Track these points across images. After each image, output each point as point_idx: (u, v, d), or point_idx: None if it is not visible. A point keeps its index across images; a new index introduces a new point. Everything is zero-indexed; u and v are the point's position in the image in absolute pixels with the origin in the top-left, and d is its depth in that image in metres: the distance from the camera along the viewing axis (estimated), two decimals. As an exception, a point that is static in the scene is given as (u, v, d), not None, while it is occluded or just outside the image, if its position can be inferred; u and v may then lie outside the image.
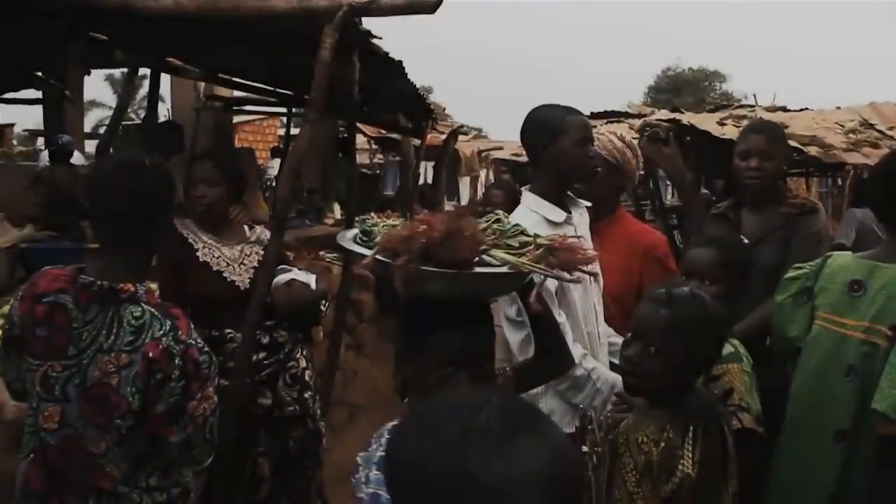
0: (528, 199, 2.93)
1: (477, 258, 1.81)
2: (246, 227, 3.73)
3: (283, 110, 10.57)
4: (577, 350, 2.73)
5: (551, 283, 2.70)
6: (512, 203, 3.25)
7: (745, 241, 3.12)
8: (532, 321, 2.11)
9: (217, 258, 3.54)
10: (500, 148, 16.96)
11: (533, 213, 2.85)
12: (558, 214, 2.87)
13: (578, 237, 2.90)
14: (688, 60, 45.58)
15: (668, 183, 11.28)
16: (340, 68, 5.39)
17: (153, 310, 2.07)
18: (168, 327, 2.04)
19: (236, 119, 20.03)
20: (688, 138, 5.88)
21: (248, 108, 10.53)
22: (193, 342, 2.05)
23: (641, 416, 2.19)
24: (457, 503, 0.93)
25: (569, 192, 3.00)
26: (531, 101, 3.00)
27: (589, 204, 3.08)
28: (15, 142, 19.20)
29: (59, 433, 2.07)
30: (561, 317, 2.75)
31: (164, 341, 2.02)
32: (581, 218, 3.01)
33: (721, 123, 5.85)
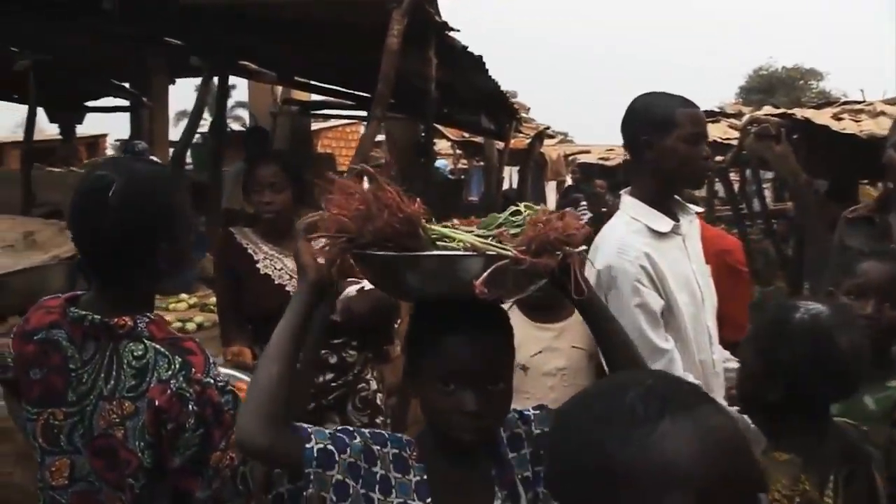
0: (628, 204, 2.51)
1: (412, 237, 1.45)
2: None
3: (363, 113, 10.31)
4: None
5: (655, 302, 2.32)
6: (597, 209, 2.95)
7: None
8: (593, 330, 1.69)
9: (279, 270, 3.26)
10: (588, 152, 16.46)
11: (634, 222, 2.45)
12: (664, 223, 2.44)
13: (687, 251, 2.50)
14: (781, 59, 44.00)
15: (754, 186, 10.66)
16: (416, 64, 5.12)
17: (158, 346, 1.71)
18: (178, 366, 1.68)
19: (318, 125, 20.08)
20: (794, 136, 5.32)
21: (326, 112, 10.31)
22: (212, 380, 1.68)
23: (768, 464, 1.82)
24: (595, 486, 0.92)
25: (676, 196, 2.56)
26: (617, 103, 2.59)
27: (700, 209, 2.64)
28: (109, 152, 19.66)
29: (70, 490, 1.74)
30: (668, 342, 2.33)
31: (174, 384, 1.66)
32: (691, 226, 2.57)
33: (837, 118, 5.25)
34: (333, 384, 3.29)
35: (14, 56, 6.23)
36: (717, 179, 10.21)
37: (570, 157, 15.80)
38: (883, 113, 5.67)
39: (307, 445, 1.44)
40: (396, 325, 3.52)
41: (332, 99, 9.29)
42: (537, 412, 1.67)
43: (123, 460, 1.68)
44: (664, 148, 2.42)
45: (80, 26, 6.12)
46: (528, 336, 2.71)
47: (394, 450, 1.52)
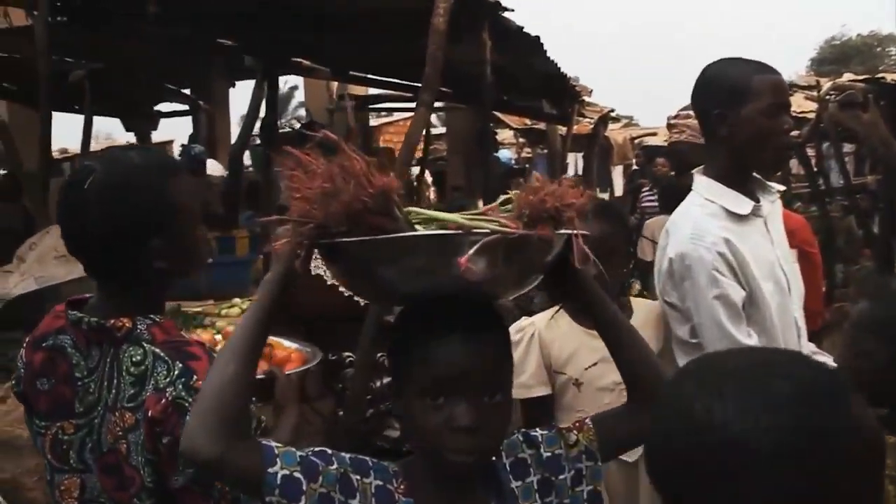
0: (702, 184, 2.22)
1: (385, 216, 1.21)
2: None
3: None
4: None
5: (736, 293, 2.06)
6: (666, 192, 2.76)
7: None
8: (597, 320, 1.46)
9: None
10: (654, 134, 16.01)
11: (708, 203, 2.17)
12: (742, 204, 2.16)
13: (769, 234, 2.22)
14: (854, 27, 42.61)
15: (832, 160, 10.10)
16: (470, 49, 4.91)
17: (158, 350, 1.52)
18: (177, 372, 1.47)
19: (379, 120, 20.04)
20: (882, 103, 4.92)
21: (384, 105, 10.17)
22: None
23: None
24: (694, 448, 0.93)
25: (756, 174, 2.28)
26: (682, 84, 2.33)
27: (782, 188, 2.35)
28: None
29: None
30: (751, 338, 2.07)
31: (171, 392, 1.46)
32: (773, 207, 2.28)
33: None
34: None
35: (68, 67, 6.22)
36: (792, 155, 9.76)
37: (637, 141, 15.36)
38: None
39: (270, 470, 1.21)
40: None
41: (389, 92, 9.15)
42: (546, 433, 1.43)
43: (128, 478, 1.51)
44: (740, 121, 2.13)
45: (127, 32, 6.11)
46: (580, 345, 2.30)
47: (377, 481, 1.30)
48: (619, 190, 14.07)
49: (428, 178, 12.79)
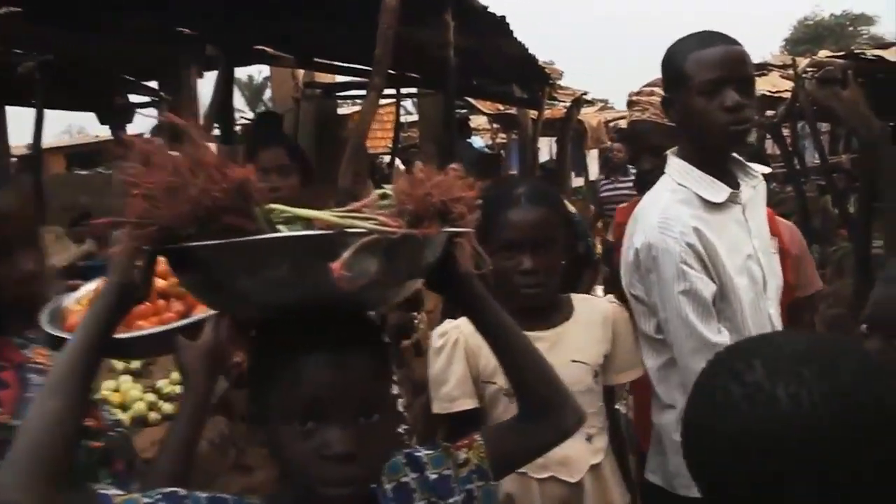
0: (675, 167, 2.06)
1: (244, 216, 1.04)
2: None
3: (391, 92, 9.93)
4: None
5: (705, 288, 1.91)
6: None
7: None
8: (475, 320, 1.36)
9: None
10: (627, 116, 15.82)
11: (681, 189, 2.01)
12: (718, 191, 2.00)
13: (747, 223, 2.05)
14: (828, 7, 42.96)
15: (807, 140, 9.98)
16: (435, 32, 4.73)
17: None
18: None
19: (351, 109, 19.76)
20: (859, 80, 4.76)
21: (354, 93, 9.92)
22: None
23: None
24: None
25: (737, 156, 2.10)
26: (655, 63, 2.16)
27: (767, 169, 2.18)
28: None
29: None
30: (721, 335, 1.91)
31: None
32: (755, 193, 2.11)
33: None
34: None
35: (18, 59, 5.96)
36: (767, 136, 9.65)
37: (612, 124, 15.21)
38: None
39: None
40: (424, 312, 3.20)
41: (358, 79, 8.90)
42: (431, 452, 1.31)
43: None
44: (682, 104, 2.00)
45: (83, 22, 5.85)
46: None
47: None
48: (594, 174, 13.95)
49: (400, 166, 12.60)
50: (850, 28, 38.40)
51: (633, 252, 2.00)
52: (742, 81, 1.96)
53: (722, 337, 1.92)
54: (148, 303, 1.49)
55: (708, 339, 1.90)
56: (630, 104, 2.77)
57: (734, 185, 2.04)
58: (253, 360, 1.21)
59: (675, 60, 2.02)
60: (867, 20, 38.37)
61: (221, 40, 6.72)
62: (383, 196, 1.12)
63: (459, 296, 1.31)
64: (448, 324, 2.04)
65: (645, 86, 2.70)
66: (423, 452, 1.31)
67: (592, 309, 2.10)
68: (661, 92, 2.33)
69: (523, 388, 1.36)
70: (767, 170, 2.15)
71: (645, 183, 2.63)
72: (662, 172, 2.28)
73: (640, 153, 2.75)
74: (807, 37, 37.76)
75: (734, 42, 2.00)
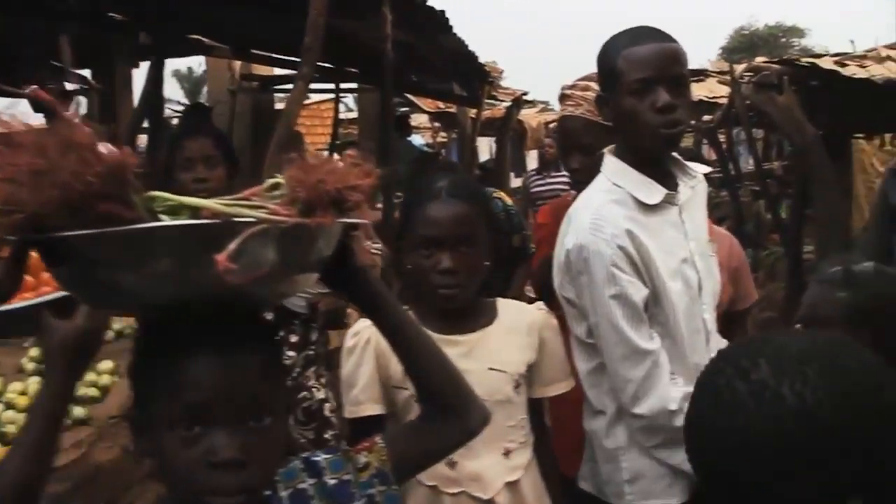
0: (610, 166, 1.99)
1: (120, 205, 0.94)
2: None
3: (331, 86, 9.77)
4: (675, 391, 1.86)
5: (636, 292, 1.85)
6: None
7: None
8: (375, 318, 1.29)
9: None
10: (569, 118, 15.87)
11: (615, 189, 1.94)
12: (653, 192, 1.93)
13: (683, 224, 2.00)
14: (763, 17, 44.26)
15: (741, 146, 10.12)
16: (374, 25, 4.63)
17: None
18: None
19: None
20: (813, 83, 4.75)
21: (289, 86, 9.74)
22: None
23: None
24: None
25: (675, 155, 2.04)
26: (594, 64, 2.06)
27: (707, 169, 2.12)
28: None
29: None
30: (653, 341, 1.86)
31: None
32: (694, 193, 2.05)
33: (841, 66, 4.76)
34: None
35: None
36: (704, 140, 9.77)
37: (552, 125, 15.27)
38: (889, 58, 5.18)
39: None
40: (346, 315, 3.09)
41: (297, 73, 8.72)
42: (330, 456, 1.27)
43: None
44: (614, 104, 1.93)
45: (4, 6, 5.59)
46: None
47: None
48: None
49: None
50: (783, 39, 39.51)
51: (564, 253, 1.92)
52: (674, 80, 1.87)
53: (653, 343, 1.86)
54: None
55: (637, 346, 1.84)
56: (562, 98, 2.61)
57: (672, 186, 1.97)
58: (135, 359, 1.12)
59: (607, 58, 1.94)
60: (798, 32, 39.62)
61: (153, 28, 6.51)
62: (275, 185, 1.03)
63: (355, 292, 1.25)
64: (361, 323, 1.90)
65: (580, 79, 2.56)
66: (321, 457, 1.26)
67: (518, 315, 1.97)
68: (597, 87, 2.27)
69: (426, 391, 1.31)
70: (707, 169, 2.09)
71: (576, 182, 2.55)
72: (591, 172, 2.21)
73: (569, 151, 2.58)
74: (742, 45, 38.70)
75: (667, 38, 1.91)
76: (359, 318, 1.95)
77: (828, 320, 1.69)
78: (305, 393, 2.91)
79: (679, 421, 1.83)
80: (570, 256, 1.89)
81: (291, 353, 2.86)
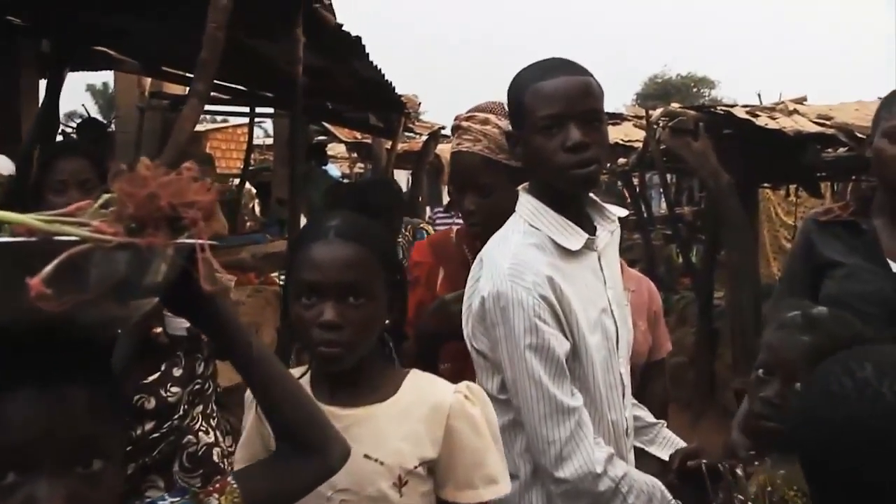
0: (527, 207, 1.84)
1: None
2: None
3: (245, 109, 9.54)
4: (599, 452, 1.72)
5: (559, 346, 1.69)
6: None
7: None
8: (228, 348, 1.19)
9: None
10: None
11: (533, 231, 1.79)
12: (573, 237, 1.79)
13: (602, 273, 1.87)
14: (676, 67, 46.02)
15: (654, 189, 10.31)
16: (285, 47, 4.45)
17: None
18: None
19: (207, 126, 18.96)
20: (725, 131, 4.80)
21: (207, 108, 9.44)
22: None
23: (787, 467, 1.65)
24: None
25: (593, 196, 1.93)
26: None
27: (624, 212, 2.01)
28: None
29: None
30: (576, 398, 1.72)
31: None
32: (612, 238, 1.93)
33: (753, 115, 4.83)
34: (155, 435, 2.57)
35: None
36: (619, 183, 9.88)
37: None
38: (796, 111, 5.30)
39: None
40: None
41: (213, 94, 8.44)
42: (177, 499, 1.20)
43: None
44: (523, 141, 1.80)
45: None
46: None
47: None
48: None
49: (251, 189, 12.14)
50: (695, 89, 41.03)
51: (478, 300, 1.76)
52: (586, 116, 1.73)
53: (576, 400, 1.71)
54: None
55: (562, 403, 1.69)
56: (457, 131, 2.29)
57: (590, 229, 1.85)
58: None
59: (516, 92, 1.81)
60: (709, 83, 41.31)
61: (54, 35, 6.18)
62: (107, 203, 0.89)
63: (201, 320, 1.14)
64: None
65: (475, 109, 2.29)
66: (168, 500, 1.19)
67: (424, 395, 1.58)
68: (497, 121, 2.13)
69: (281, 428, 1.23)
70: (624, 212, 1.97)
71: (470, 225, 2.27)
72: (488, 215, 2.10)
73: (464, 190, 2.24)
74: (656, 93, 39.99)
75: (578, 71, 1.77)
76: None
77: (790, 363, 1.75)
78: (191, 437, 2.65)
79: (604, 485, 1.70)
80: (485, 304, 1.73)
81: (175, 390, 2.62)
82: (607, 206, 1.93)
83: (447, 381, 1.61)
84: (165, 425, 2.59)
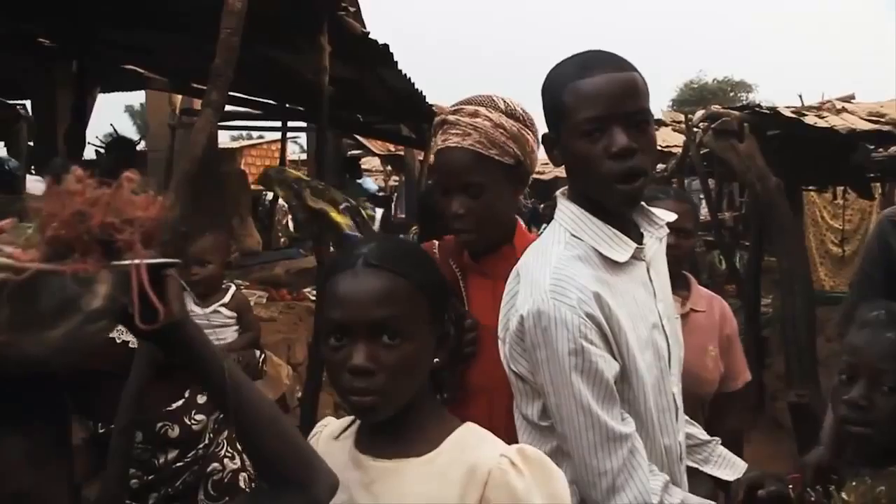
0: (568, 215, 1.65)
1: None
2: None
3: (278, 124, 9.49)
4: (654, 481, 1.54)
5: (609, 368, 1.51)
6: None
7: None
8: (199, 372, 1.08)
9: None
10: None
11: (576, 243, 1.60)
12: (620, 247, 1.60)
13: (652, 285, 1.70)
14: (711, 72, 45.28)
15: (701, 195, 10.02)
16: (309, 56, 4.34)
17: None
18: None
19: (242, 143, 19.01)
20: (769, 133, 4.57)
21: (235, 123, 9.43)
22: None
23: (870, 476, 1.68)
24: None
25: (641, 202, 1.72)
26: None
27: (672, 217, 1.82)
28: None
29: None
30: (628, 424, 1.54)
31: None
32: (660, 246, 1.75)
33: (799, 114, 4.61)
34: (177, 465, 2.46)
35: None
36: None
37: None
38: (844, 109, 5.07)
39: None
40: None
41: (242, 109, 8.40)
42: None
43: None
44: (563, 145, 1.60)
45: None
46: None
47: None
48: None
49: (284, 205, 12.10)
50: (732, 93, 40.35)
51: (516, 319, 1.56)
52: (632, 117, 1.54)
53: (627, 426, 1.53)
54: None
55: (614, 430, 1.51)
56: (442, 125, 2.00)
57: (637, 238, 1.66)
58: None
59: (552, 90, 1.60)
60: (746, 87, 40.43)
61: (80, 54, 6.15)
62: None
63: (168, 344, 1.03)
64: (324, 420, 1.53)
65: (463, 102, 2.01)
66: None
67: (466, 454, 1.31)
68: (488, 113, 1.91)
69: (260, 462, 1.13)
70: (673, 217, 1.76)
71: (456, 232, 1.98)
72: (478, 221, 1.90)
73: (452, 192, 1.95)
74: (692, 98, 39.40)
75: (623, 66, 1.57)
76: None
77: (875, 363, 1.71)
78: (216, 464, 2.54)
79: None
80: (524, 324, 1.54)
81: (200, 417, 2.51)
82: (654, 210, 1.74)
83: (500, 441, 1.32)
84: (190, 454, 2.50)
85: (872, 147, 5.35)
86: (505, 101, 1.96)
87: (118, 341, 2.40)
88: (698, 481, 1.95)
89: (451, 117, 1.95)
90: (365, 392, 1.26)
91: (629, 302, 1.58)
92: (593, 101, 1.52)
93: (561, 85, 1.58)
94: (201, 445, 2.52)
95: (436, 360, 1.35)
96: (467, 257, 2.00)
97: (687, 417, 1.88)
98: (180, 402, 2.49)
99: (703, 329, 2.55)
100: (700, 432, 2.01)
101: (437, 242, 2.12)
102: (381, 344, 1.27)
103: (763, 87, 39.13)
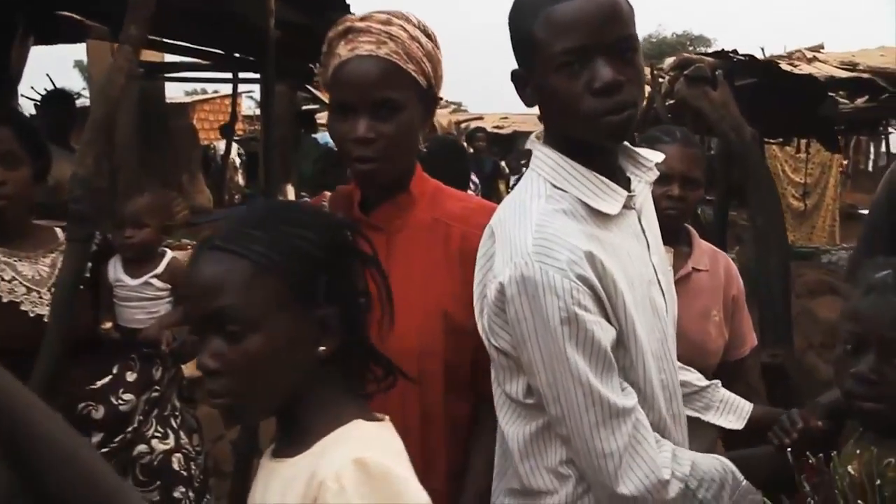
0: (547, 162, 1.42)
1: None
2: (58, 231, 2.36)
3: (228, 76, 9.13)
4: (662, 453, 1.37)
5: (605, 336, 1.32)
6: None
7: None
8: None
9: (9, 282, 2.21)
10: (480, 118, 15.72)
11: (560, 195, 1.39)
12: (610, 196, 1.39)
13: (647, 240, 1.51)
14: (670, 26, 45.53)
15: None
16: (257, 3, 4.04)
17: None
18: None
19: (194, 98, 18.47)
20: (738, 83, 4.35)
21: (184, 74, 9.01)
22: None
23: (877, 446, 1.53)
24: None
25: (626, 143, 1.50)
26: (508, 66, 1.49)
27: (660, 157, 1.58)
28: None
29: None
30: (629, 395, 1.35)
31: None
32: (648, 191, 1.54)
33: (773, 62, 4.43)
34: (104, 450, 2.26)
35: None
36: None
37: (463, 125, 15.01)
38: (816, 58, 4.91)
39: None
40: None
41: (191, 60, 8.01)
42: None
43: None
44: (536, 83, 1.39)
45: None
46: None
47: None
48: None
49: (236, 160, 11.75)
50: (691, 48, 40.53)
51: (495, 287, 1.35)
52: (616, 46, 1.32)
53: (629, 398, 1.35)
54: None
55: (616, 405, 1.32)
56: (347, 34, 1.61)
57: (625, 183, 1.45)
58: None
59: (521, 21, 1.38)
60: (705, 41, 40.66)
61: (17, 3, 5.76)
62: None
63: None
64: None
65: (372, 12, 1.64)
66: None
67: (320, 458, 1.13)
68: (402, 24, 1.60)
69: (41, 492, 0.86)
70: (661, 157, 1.53)
71: (359, 175, 1.65)
72: (392, 155, 1.61)
73: (357, 110, 1.59)
74: (651, 52, 39.53)
75: None
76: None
77: (885, 332, 1.52)
78: (142, 447, 2.34)
79: (673, 490, 1.34)
80: (505, 293, 1.33)
81: (128, 397, 2.30)
82: (640, 150, 1.51)
83: (358, 448, 1.10)
84: (116, 439, 2.30)
85: (841, 97, 5.22)
86: (416, 17, 1.66)
87: (31, 315, 2.17)
88: (699, 432, 1.80)
89: (359, 24, 1.61)
90: (216, 395, 1.12)
91: (623, 258, 1.37)
92: (570, 29, 1.30)
93: (532, 12, 1.34)
94: (130, 429, 2.31)
95: (321, 347, 1.14)
96: (357, 210, 1.69)
97: (681, 364, 1.69)
98: (107, 380, 2.29)
99: (706, 291, 2.29)
100: (696, 377, 1.84)
101: (327, 194, 1.81)
102: (229, 337, 1.10)
103: (722, 40, 39.16)
